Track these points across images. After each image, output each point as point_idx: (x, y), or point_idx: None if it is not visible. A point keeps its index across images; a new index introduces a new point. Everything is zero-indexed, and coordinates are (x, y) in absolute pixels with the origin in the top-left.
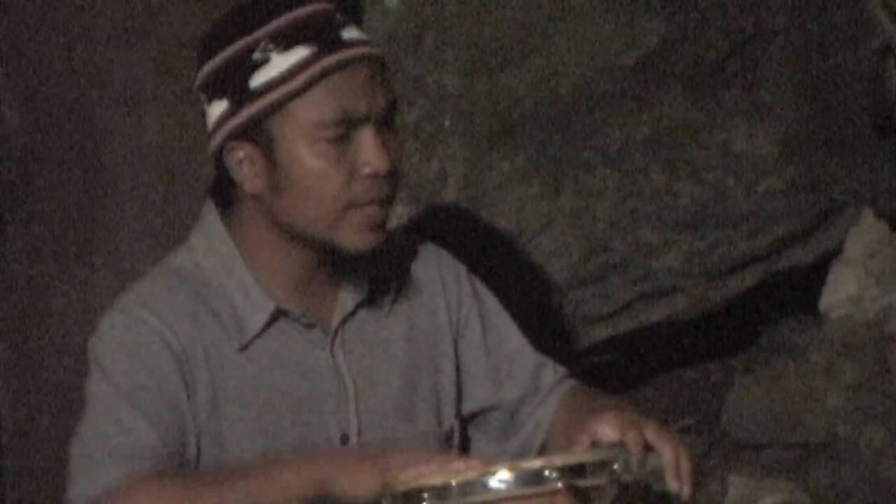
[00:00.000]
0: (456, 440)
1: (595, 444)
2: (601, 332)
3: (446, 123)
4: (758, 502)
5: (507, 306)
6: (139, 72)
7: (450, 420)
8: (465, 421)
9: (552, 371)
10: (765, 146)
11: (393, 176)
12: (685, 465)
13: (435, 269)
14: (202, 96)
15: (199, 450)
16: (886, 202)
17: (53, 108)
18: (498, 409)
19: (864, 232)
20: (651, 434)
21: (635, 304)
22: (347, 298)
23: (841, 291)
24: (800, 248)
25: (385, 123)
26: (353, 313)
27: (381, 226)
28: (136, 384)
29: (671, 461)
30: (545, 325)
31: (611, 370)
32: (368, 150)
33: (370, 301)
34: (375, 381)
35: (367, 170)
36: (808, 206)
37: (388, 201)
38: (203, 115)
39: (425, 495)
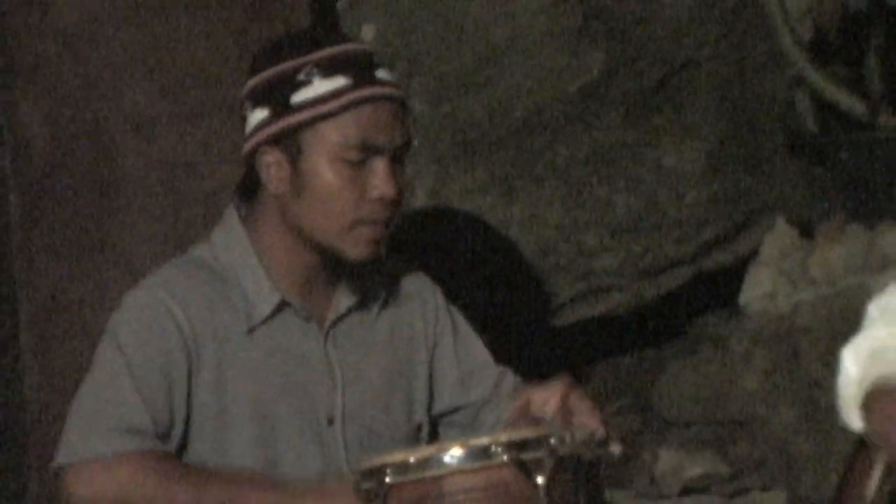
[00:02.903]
0: (425, 434)
1: (531, 418)
2: (548, 324)
3: (415, 143)
4: (684, 472)
5: (467, 301)
6: (148, 96)
7: (420, 416)
8: (436, 419)
9: (511, 379)
10: (692, 162)
11: (397, 202)
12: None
13: (416, 287)
14: (246, 103)
15: (191, 426)
16: (797, 211)
17: (73, 128)
18: (464, 409)
19: (778, 237)
20: (575, 399)
21: (579, 300)
22: (341, 301)
23: (758, 288)
24: (722, 250)
25: (398, 158)
26: (345, 315)
27: (379, 242)
28: (142, 356)
29: (599, 425)
30: (499, 318)
31: (557, 357)
32: (380, 177)
33: (360, 306)
34: (360, 374)
35: (375, 193)
36: (729, 215)
37: (389, 222)
38: (243, 120)
39: (388, 470)
